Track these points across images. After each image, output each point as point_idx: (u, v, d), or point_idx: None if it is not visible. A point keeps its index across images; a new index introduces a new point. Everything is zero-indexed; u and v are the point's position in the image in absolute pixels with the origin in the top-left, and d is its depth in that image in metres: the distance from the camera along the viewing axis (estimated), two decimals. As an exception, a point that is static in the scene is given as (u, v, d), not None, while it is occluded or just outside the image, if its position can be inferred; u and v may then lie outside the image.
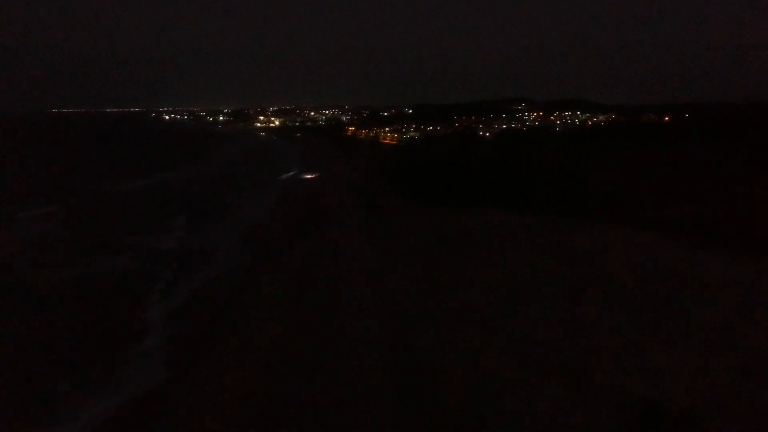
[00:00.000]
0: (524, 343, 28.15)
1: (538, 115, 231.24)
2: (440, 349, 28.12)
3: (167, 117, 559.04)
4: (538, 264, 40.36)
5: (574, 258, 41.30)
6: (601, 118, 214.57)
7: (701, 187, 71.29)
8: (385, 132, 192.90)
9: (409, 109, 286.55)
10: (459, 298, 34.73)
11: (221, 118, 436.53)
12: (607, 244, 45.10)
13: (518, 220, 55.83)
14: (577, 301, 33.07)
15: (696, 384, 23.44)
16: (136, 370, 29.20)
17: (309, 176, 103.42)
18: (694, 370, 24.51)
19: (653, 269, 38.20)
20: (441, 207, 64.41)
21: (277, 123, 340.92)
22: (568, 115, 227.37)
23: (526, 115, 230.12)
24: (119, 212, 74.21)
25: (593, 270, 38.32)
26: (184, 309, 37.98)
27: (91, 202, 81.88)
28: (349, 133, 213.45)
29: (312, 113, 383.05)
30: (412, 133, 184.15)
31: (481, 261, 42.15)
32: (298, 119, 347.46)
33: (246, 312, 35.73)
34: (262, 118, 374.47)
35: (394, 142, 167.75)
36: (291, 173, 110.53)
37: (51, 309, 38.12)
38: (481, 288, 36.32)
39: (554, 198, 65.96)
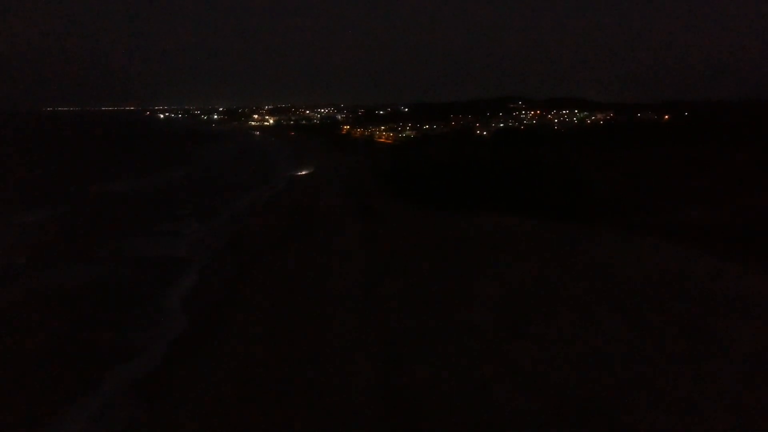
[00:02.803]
0: (535, 372, 24.81)
1: (536, 113, 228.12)
2: (439, 380, 24.75)
3: (162, 116, 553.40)
4: (545, 276, 37.05)
5: (583, 269, 38.02)
6: (599, 116, 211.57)
7: (708, 188, 68.20)
8: (380, 131, 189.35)
9: (405, 108, 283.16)
10: (459, 317, 31.38)
11: (215, 116, 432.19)
12: (617, 252, 41.87)
13: (520, 225, 52.53)
14: (592, 320, 29.78)
15: (743, 427, 20.19)
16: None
17: (299, 180, 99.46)
18: (740, 409, 21.24)
19: (674, 283, 34.94)
20: (438, 210, 61.07)
21: (271, 122, 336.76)
22: (566, 114, 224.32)
23: (523, 114, 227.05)
24: (114, 216, 70.30)
25: (606, 284, 35.03)
26: (163, 326, 34.49)
27: (87, 205, 77.72)
28: (344, 132, 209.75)
29: (307, 112, 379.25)
30: (408, 132, 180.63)
31: (482, 272, 38.81)
32: (293, 118, 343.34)
33: (226, 328, 32.33)
34: (256, 117, 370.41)
35: (389, 142, 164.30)
36: (280, 175, 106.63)
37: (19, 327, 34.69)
38: (482, 304, 32.98)
39: (557, 200, 62.86)
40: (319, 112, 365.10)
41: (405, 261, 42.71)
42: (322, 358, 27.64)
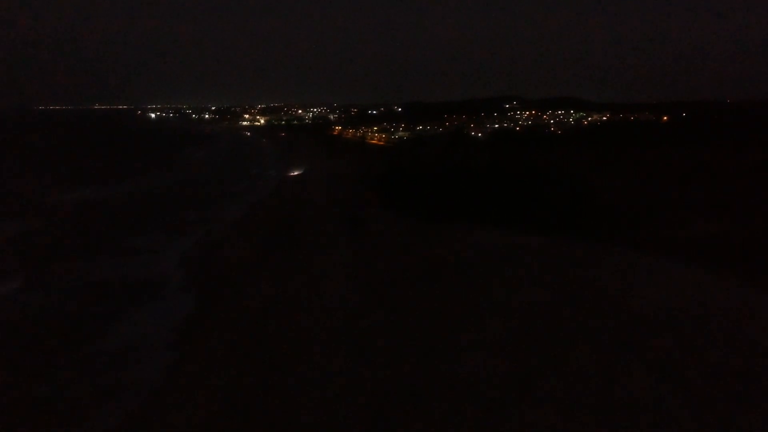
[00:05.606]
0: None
1: (531, 113, 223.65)
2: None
3: (153, 115, 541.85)
4: (555, 310, 31.97)
5: (600, 302, 32.95)
6: (595, 117, 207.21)
7: (720, 197, 63.40)
8: (372, 131, 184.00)
9: (398, 108, 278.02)
10: (456, 365, 26.24)
11: (207, 116, 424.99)
12: (637, 280, 36.83)
13: (523, 242, 47.43)
14: (616, 373, 24.66)
15: None
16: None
17: (282, 188, 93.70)
18: None
19: (705, 321, 29.95)
20: (432, 222, 55.90)
21: (262, 121, 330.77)
22: (562, 114, 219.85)
23: (518, 114, 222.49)
24: (82, 229, 64.68)
25: (629, 323, 29.96)
26: (93, 381, 29.21)
27: (55, 216, 71.77)
28: (336, 133, 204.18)
29: (299, 111, 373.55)
30: (401, 133, 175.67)
31: (482, 304, 33.68)
32: (285, 117, 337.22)
33: (176, 383, 27.13)
34: (247, 116, 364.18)
35: (381, 143, 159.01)
36: (264, 183, 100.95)
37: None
38: (483, 347, 27.87)
39: (560, 211, 57.94)
40: (312, 112, 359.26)
41: (396, 289, 37.51)
42: (294, 417, 22.49)
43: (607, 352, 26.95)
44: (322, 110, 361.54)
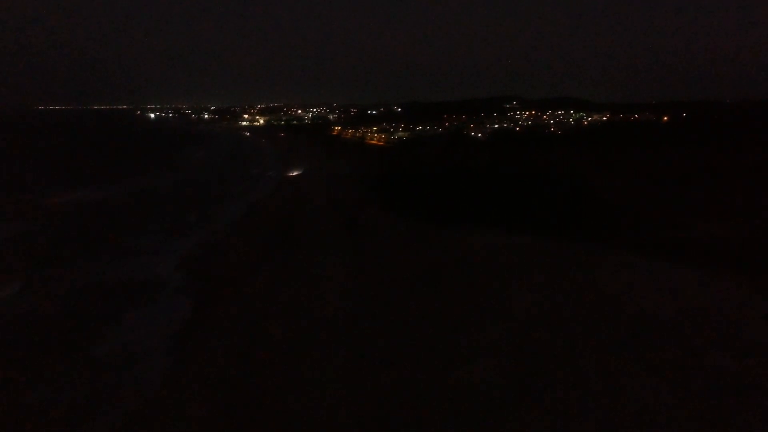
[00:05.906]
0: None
1: (531, 113, 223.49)
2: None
3: (152, 115, 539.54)
4: (556, 314, 31.94)
5: (600, 303, 32.95)
6: (596, 117, 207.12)
7: (720, 197, 63.46)
8: (372, 132, 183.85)
9: (398, 108, 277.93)
10: (457, 372, 26.21)
11: (206, 116, 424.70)
12: (637, 282, 36.80)
13: (523, 243, 47.41)
14: (619, 379, 24.66)
15: None
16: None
17: (281, 190, 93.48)
18: None
19: (707, 326, 29.94)
20: (431, 224, 55.85)
21: (261, 122, 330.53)
22: (562, 114, 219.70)
23: (518, 114, 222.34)
24: (80, 229, 64.26)
25: (629, 324, 29.98)
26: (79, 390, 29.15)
27: (53, 216, 71.33)
28: (335, 133, 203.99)
29: (299, 111, 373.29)
30: (400, 133, 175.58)
31: (482, 305, 33.69)
32: (284, 118, 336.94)
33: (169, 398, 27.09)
34: (246, 116, 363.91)
35: (381, 143, 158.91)
36: (262, 184, 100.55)
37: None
38: (485, 353, 27.83)
39: (560, 212, 57.98)
40: (312, 112, 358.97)
41: (395, 293, 37.47)
42: (294, 418, 22.49)
43: (607, 353, 26.94)
44: (321, 110, 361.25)
